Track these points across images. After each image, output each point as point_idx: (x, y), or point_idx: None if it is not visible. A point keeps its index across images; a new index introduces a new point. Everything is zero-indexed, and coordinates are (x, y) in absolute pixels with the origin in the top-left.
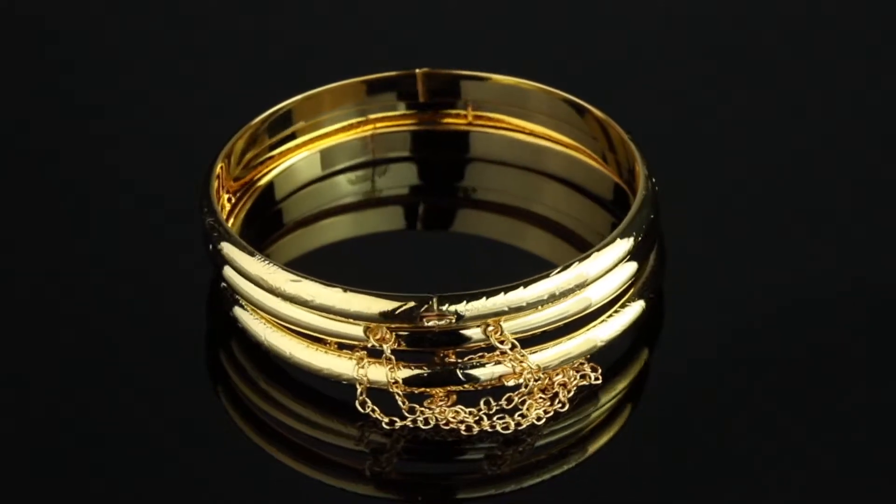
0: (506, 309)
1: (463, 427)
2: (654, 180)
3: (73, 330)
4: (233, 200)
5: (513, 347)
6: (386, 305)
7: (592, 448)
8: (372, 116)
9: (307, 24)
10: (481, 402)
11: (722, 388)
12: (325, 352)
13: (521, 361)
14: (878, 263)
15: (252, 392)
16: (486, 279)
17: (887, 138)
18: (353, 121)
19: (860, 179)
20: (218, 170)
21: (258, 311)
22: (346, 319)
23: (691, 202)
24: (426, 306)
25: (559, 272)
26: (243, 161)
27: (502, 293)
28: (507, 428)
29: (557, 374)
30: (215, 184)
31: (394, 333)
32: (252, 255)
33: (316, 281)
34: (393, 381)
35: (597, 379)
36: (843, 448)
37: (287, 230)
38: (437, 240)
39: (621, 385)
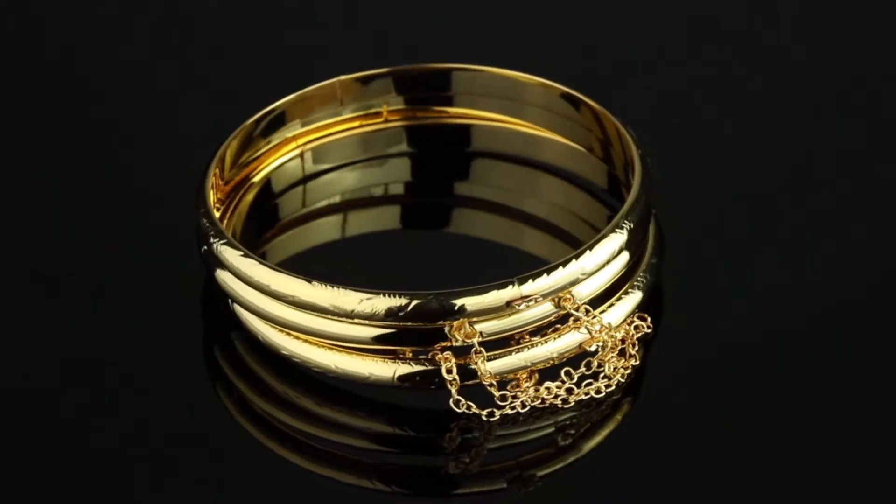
0: (580, 276)
1: (559, 401)
2: (650, 169)
3: (70, 330)
4: (224, 202)
5: (587, 312)
6: (473, 301)
7: (588, 446)
8: (302, 129)
9: (304, 24)
10: (562, 374)
11: (721, 386)
12: (407, 363)
13: (596, 323)
14: (879, 263)
15: (255, 389)
16: (485, 274)
17: (889, 138)
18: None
19: (861, 179)
20: (212, 178)
21: (314, 338)
22: (422, 324)
23: (691, 201)
24: (511, 290)
25: (611, 230)
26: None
27: (574, 260)
28: (599, 392)
29: (617, 332)
30: (211, 193)
31: (474, 327)
32: (309, 282)
33: (387, 294)
34: (487, 373)
35: (649, 327)
36: (844, 448)
37: (279, 230)
38: (431, 237)
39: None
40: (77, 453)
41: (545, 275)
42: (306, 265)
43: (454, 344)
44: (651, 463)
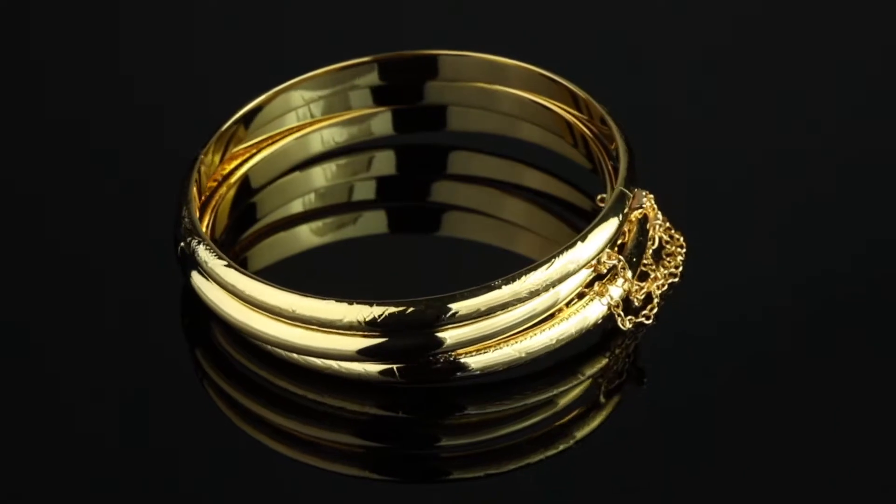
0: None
1: (672, 278)
2: (632, 155)
3: (58, 329)
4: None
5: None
6: (608, 226)
7: (581, 433)
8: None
9: (280, 19)
10: (644, 263)
11: (714, 379)
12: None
13: (647, 199)
14: (877, 259)
15: (241, 383)
16: (478, 274)
17: (886, 131)
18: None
19: (858, 172)
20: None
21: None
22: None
23: (688, 194)
24: (634, 201)
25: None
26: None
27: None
28: (682, 258)
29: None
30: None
31: (610, 252)
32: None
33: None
34: (632, 281)
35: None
36: (841, 444)
37: (260, 232)
38: (414, 240)
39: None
40: (69, 454)
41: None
42: (289, 272)
43: (603, 271)
44: (648, 449)
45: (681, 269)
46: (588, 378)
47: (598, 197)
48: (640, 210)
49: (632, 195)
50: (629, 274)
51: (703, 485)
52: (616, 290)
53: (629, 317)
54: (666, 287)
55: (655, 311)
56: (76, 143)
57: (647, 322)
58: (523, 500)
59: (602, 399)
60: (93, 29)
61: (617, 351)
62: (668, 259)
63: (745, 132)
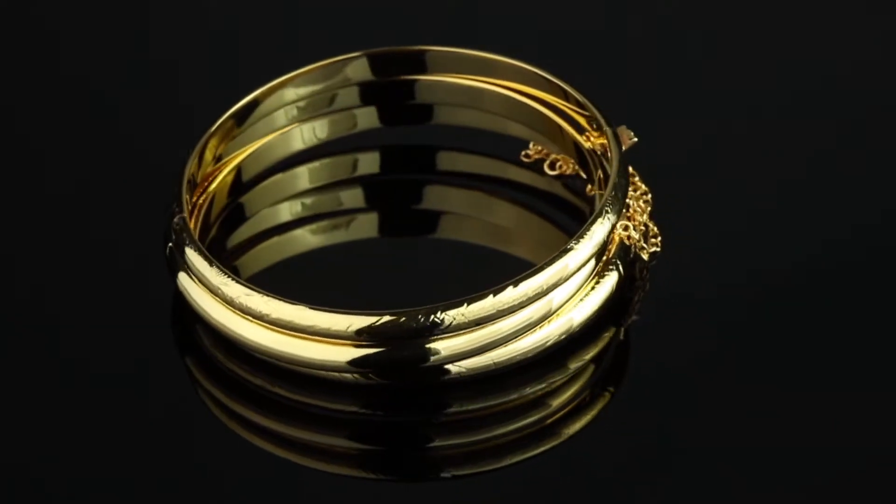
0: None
1: (647, 206)
2: (622, 150)
3: (46, 329)
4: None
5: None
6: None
7: (569, 431)
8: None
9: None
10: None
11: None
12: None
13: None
14: (867, 248)
15: (225, 383)
16: (472, 279)
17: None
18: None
19: (850, 155)
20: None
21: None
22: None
23: (683, 188)
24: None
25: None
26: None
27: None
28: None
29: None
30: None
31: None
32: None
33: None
34: (639, 223)
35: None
36: (833, 435)
37: (245, 238)
38: (408, 241)
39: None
40: (64, 454)
41: None
42: (280, 277)
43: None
44: (643, 446)
45: (650, 194)
46: (576, 373)
47: (522, 153)
48: (632, 142)
49: (620, 133)
50: (638, 210)
51: (701, 483)
52: (632, 226)
53: (646, 248)
54: (649, 214)
55: (660, 238)
56: (70, 144)
57: (658, 250)
58: (519, 499)
59: (622, 336)
60: (89, 28)
61: (639, 283)
62: (632, 189)
63: (742, 128)
